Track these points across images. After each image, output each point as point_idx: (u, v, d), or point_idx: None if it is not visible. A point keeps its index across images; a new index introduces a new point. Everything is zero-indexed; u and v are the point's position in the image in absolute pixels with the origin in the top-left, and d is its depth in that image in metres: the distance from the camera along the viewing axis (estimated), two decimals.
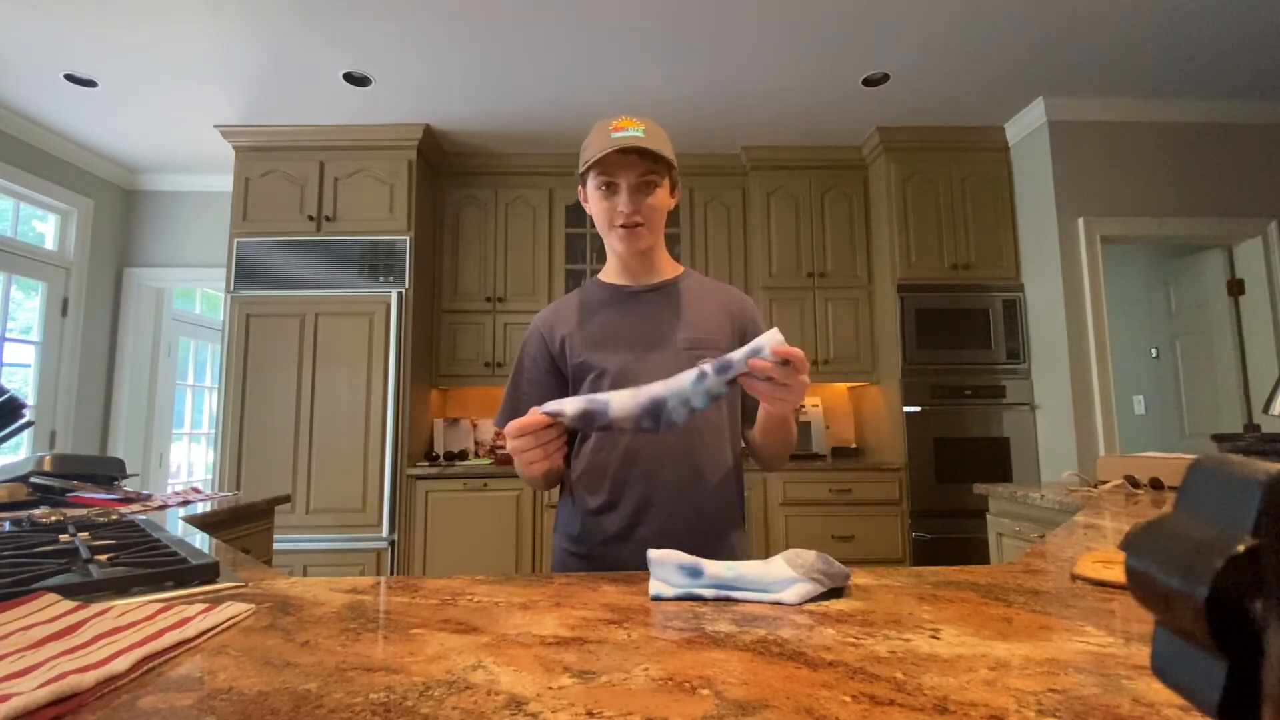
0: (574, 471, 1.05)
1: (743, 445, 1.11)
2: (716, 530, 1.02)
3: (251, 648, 0.52)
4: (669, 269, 1.14)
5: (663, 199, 1.05)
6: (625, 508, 1.00)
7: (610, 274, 1.13)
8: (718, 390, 0.83)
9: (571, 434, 1.09)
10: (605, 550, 1.00)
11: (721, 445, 1.04)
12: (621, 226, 1.03)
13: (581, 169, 1.04)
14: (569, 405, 0.84)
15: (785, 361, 0.80)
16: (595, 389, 1.02)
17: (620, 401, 0.83)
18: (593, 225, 4.00)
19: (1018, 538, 1.94)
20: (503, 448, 3.68)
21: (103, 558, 0.78)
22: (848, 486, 3.26)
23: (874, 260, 3.63)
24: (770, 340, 0.81)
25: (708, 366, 0.82)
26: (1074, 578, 0.75)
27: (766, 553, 3.20)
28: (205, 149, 3.65)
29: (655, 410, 0.82)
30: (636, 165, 1.00)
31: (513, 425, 0.85)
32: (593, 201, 1.06)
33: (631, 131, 0.99)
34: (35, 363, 3.47)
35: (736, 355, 0.82)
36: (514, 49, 2.74)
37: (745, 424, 1.08)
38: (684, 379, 0.83)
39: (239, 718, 0.40)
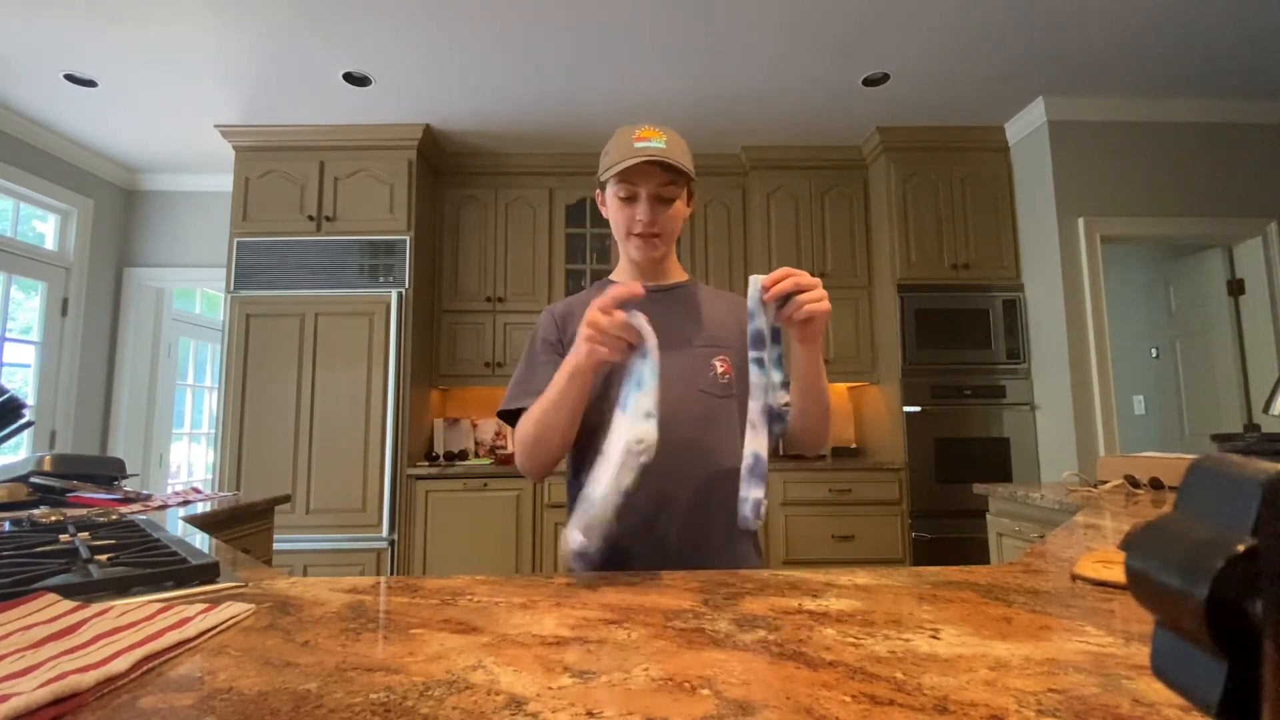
0: (586, 470, 1.05)
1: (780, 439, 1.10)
2: (733, 527, 1.01)
3: (251, 648, 0.52)
4: (678, 274, 1.17)
5: (680, 210, 1.07)
6: (644, 503, 0.98)
7: (623, 275, 1.16)
8: (777, 354, 0.89)
9: (579, 439, 1.09)
10: (623, 545, 0.99)
11: (735, 444, 1.04)
12: (639, 235, 1.05)
13: (602, 177, 1.06)
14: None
15: (787, 295, 0.86)
16: (610, 381, 1.02)
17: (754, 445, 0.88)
18: (593, 225, 4.01)
19: (1018, 538, 1.94)
20: (503, 447, 3.67)
21: (103, 558, 0.78)
22: (848, 486, 3.26)
23: (874, 260, 3.63)
24: (756, 286, 0.87)
25: (752, 354, 0.89)
26: (1074, 578, 0.75)
27: (767, 552, 3.20)
28: (205, 149, 3.65)
29: (771, 419, 0.88)
30: (657, 176, 1.02)
31: (605, 308, 0.83)
32: (611, 209, 1.08)
33: (654, 142, 1.00)
34: (35, 363, 3.48)
35: (757, 324, 0.88)
36: (514, 49, 2.74)
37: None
38: (755, 385, 0.89)
39: (239, 718, 0.40)
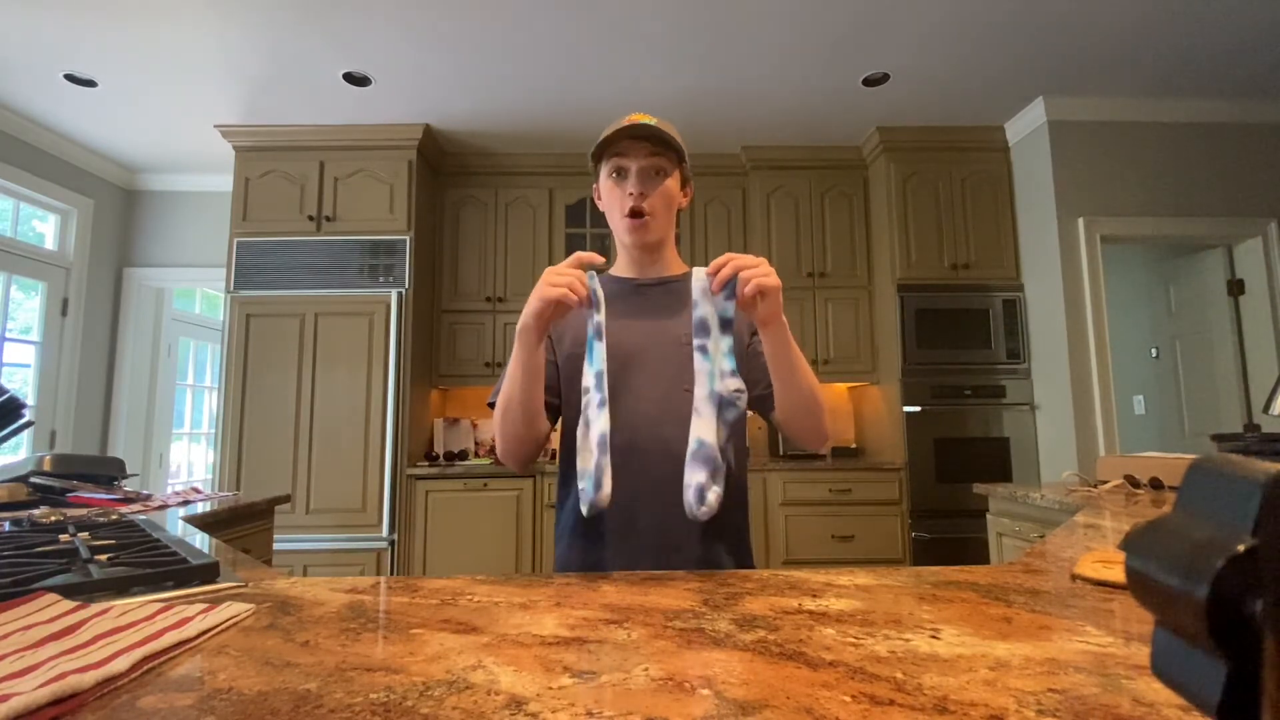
0: (575, 467, 1.05)
1: (749, 451, 1.10)
2: (718, 526, 1.01)
3: (251, 648, 0.52)
4: (677, 266, 1.15)
5: (673, 189, 1.06)
6: (624, 502, 0.98)
7: (619, 268, 1.15)
8: (727, 344, 0.88)
9: (564, 440, 1.08)
10: (601, 545, 0.99)
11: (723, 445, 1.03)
12: (631, 215, 1.04)
13: (592, 154, 1.06)
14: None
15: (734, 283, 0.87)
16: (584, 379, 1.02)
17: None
18: (593, 225, 4.00)
19: (1018, 538, 1.94)
20: None
21: (103, 558, 0.78)
22: (848, 486, 3.26)
23: (874, 260, 3.63)
24: (700, 276, 0.88)
25: (695, 342, 0.89)
26: (1074, 578, 0.75)
27: (767, 553, 3.20)
28: (205, 149, 3.65)
29: (719, 405, 0.87)
30: (646, 150, 1.03)
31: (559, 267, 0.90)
32: (604, 191, 1.08)
33: (643, 123, 1.02)
34: (35, 363, 3.48)
35: (700, 312, 0.89)
36: (514, 49, 2.75)
37: (768, 408, 1.05)
38: (700, 372, 0.88)
39: (239, 718, 0.40)
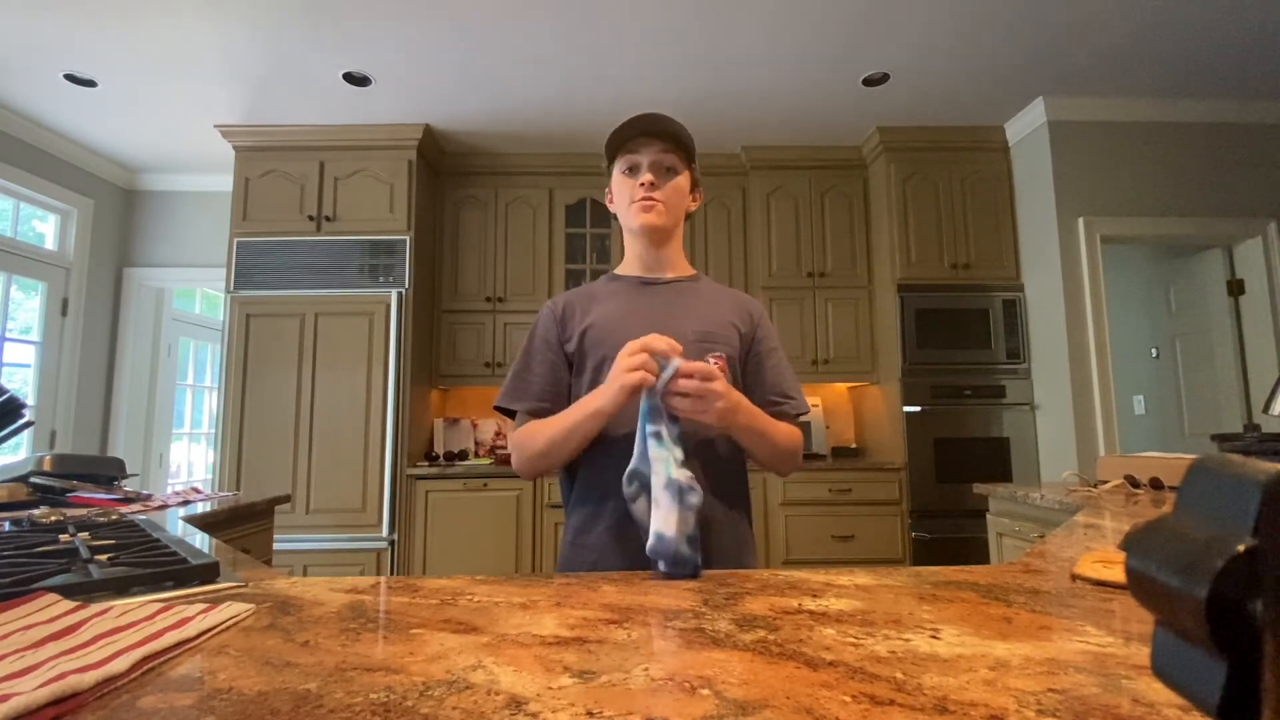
0: (582, 466, 1.05)
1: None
2: (722, 519, 1.01)
3: (251, 648, 0.52)
4: (684, 268, 1.16)
5: (682, 186, 1.09)
6: (618, 511, 0.98)
7: (626, 268, 1.16)
8: (675, 433, 0.85)
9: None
10: (594, 558, 0.99)
11: (727, 450, 1.04)
12: (640, 201, 1.06)
13: (608, 155, 1.10)
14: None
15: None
16: (599, 375, 1.01)
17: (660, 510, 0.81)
18: (593, 225, 4.00)
19: (1018, 538, 1.94)
20: (503, 447, 3.67)
21: (103, 558, 0.78)
22: (848, 486, 3.26)
23: (874, 260, 3.63)
24: (672, 369, 0.85)
25: (649, 428, 0.85)
26: (1074, 578, 0.75)
27: (767, 553, 3.20)
28: (205, 149, 3.65)
29: (677, 493, 0.81)
30: (658, 147, 1.06)
31: (641, 346, 0.86)
32: (616, 186, 1.11)
33: (657, 115, 1.07)
34: (35, 363, 3.48)
35: (655, 400, 0.85)
36: (514, 49, 2.75)
37: None
38: (656, 459, 0.82)
39: (239, 718, 0.40)
